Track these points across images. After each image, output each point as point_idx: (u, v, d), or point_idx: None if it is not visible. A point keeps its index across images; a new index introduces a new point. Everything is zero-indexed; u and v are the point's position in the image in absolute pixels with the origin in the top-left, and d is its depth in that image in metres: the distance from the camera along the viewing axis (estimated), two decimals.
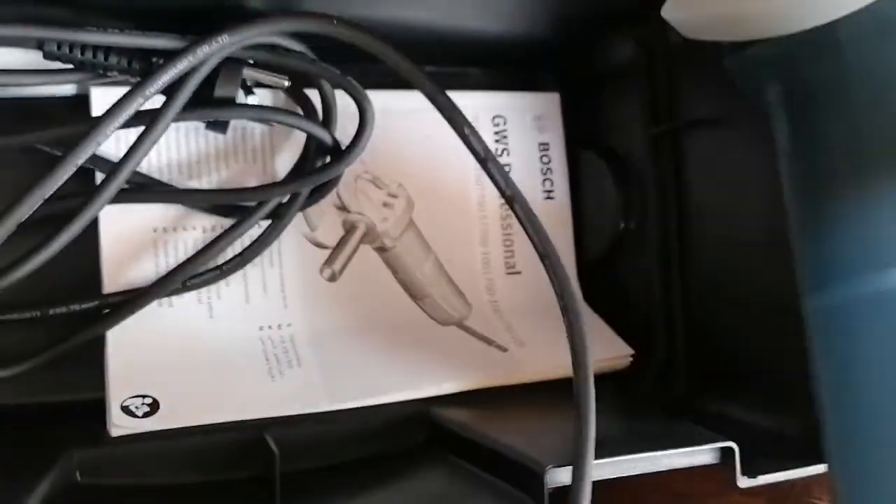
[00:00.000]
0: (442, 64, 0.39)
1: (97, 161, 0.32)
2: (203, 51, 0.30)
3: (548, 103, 0.40)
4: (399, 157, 0.38)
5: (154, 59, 0.30)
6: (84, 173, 0.31)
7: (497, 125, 0.39)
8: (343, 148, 0.34)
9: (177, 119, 0.31)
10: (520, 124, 0.40)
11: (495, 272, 0.39)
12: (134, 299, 0.32)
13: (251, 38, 0.30)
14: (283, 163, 0.35)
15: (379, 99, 0.34)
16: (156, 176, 0.34)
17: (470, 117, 0.38)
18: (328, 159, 0.34)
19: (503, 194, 0.31)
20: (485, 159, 0.32)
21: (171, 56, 0.29)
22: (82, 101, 0.33)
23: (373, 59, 0.32)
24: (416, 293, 0.37)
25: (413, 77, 0.32)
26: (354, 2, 0.32)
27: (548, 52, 0.40)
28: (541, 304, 0.37)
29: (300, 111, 0.34)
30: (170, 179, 0.34)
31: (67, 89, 0.33)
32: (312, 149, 0.34)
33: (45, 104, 0.33)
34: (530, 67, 0.41)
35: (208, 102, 0.32)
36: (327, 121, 0.33)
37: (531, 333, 0.37)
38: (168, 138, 0.34)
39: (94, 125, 0.29)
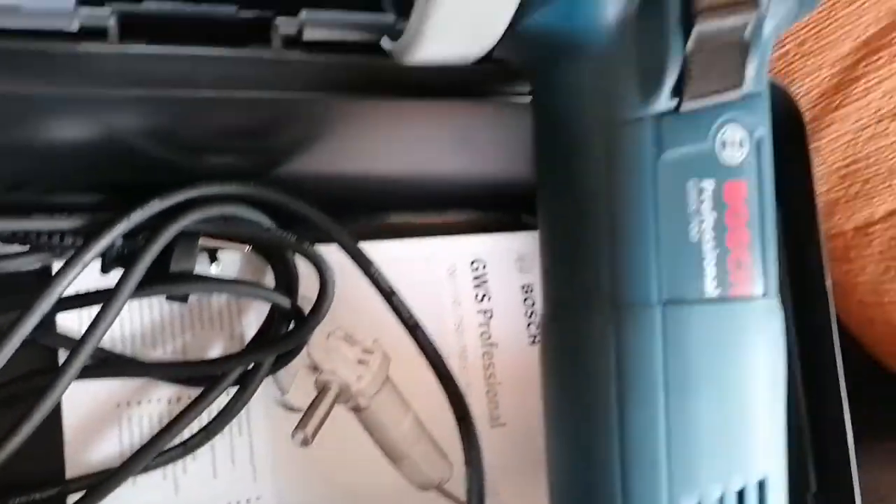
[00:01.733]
0: (416, 210, 0.38)
1: (59, 339, 0.32)
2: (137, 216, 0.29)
3: (531, 242, 0.39)
4: (373, 310, 0.36)
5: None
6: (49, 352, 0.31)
7: (476, 269, 0.38)
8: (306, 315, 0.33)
9: (134, 296, 0.30)
10: (500, 267, 0.38)
11: (478, 425, 0.37)
12: (97, 486, 0.31)
13: (191, 217, 0.30)
14: (250, 325, 0.34)
15: None
16: (119, 349, 0.33)
17: (446, 265, 0.37)
18: (293, 324, 0.33)
19: (406, 323, 0.33)
20: (390, 293, 0.33)
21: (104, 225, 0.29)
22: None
23: None
24: (395, 455, 0.35)
25: (329, 229, 0.33)
26: (335, 160, 0.32)
27: (530, 191, 0.38)
28: (529, 460, 0.34)
29: (270, 272, 0.34)
30: (133, 352, 0.33)
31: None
32: (277, 314, 0.33)
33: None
34: (512, 208, 0.39)
35: (165, 277, 0.31)
36: (290, 287, 0.33)
37: (517, 497, 0.34)
38: (130, 308, 0.33)
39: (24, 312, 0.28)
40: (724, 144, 0.21)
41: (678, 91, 0.20)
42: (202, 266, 0.33)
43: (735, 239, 0.21)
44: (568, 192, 0.22)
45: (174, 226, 0.30)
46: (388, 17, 0.25)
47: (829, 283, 0.31)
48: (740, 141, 0.21)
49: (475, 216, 0.39)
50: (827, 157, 0.39)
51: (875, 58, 0.35)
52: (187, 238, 0.31)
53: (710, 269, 0.21)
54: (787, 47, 0.38)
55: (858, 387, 0.32)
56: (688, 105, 0.20)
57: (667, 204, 0.21)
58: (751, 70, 0.21)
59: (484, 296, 0.38)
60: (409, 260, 0.37)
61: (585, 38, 0.21)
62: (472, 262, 0.38)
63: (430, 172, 0.36)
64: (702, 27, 0.20)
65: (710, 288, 0.21)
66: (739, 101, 0.21)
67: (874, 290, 0.40)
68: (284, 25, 0.24)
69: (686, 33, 0.20)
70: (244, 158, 0.30)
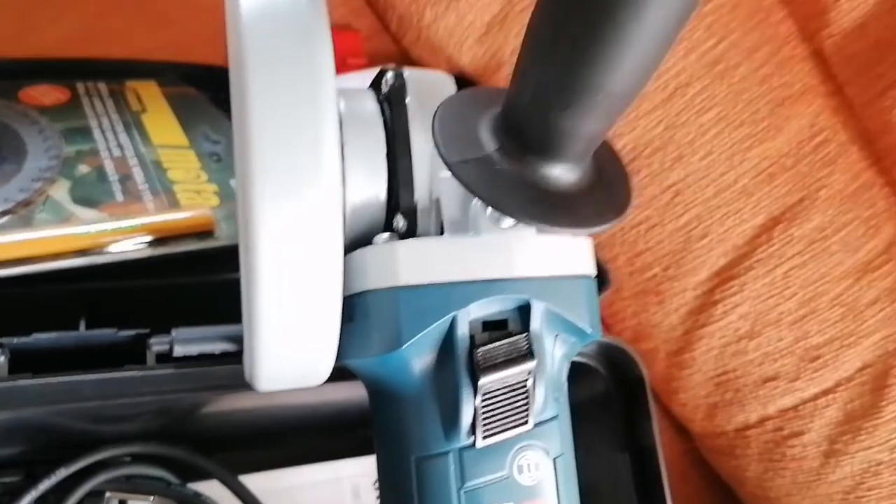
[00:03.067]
0: (326, 429, 0.41)
1: None
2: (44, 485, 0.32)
3: None
4: None
5: None
6: None
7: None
8: None
9: None
10: None
11: None
12: None
13: (96, 480, 0.33)
14: None
15: (259, 481, 0.36)
16: None
17: (350, 484, 0.39)
18: None
19: None
20: None
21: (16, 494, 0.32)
22: None
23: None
24: None
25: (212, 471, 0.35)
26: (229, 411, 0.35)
27: None
28: None
29: None
30: None
31: None
32: None
33: None
34: None
35: None
36: None
37: None
38: None
39: None
40: (520, 469, 0.24)
41: (474, 430, 0.23)
42: None
43: None
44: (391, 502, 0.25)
45: (80, 489, 0.33)
46: None
47: None
48: (536, 464, 0.24)
49: None
50: (702, 366, 0.42)
51: (728, 286, 0.39)
52: (94, 497, 0.34)
53: None
54: (655, 270, 0.41)
55: None
56: (483, 442, 0.24)
57: None
58: (537, 405, 0.24)
59: None
60: (313, 484, 0.40)
61: (395, 384, 0.24)
62: (375, 483, 0.40)
63: (327, 401, 0.39)
64: (486, 380, 0.23)
65: None
66: (533, 430, 0.24)
67: (760, 486, 0.43)
68: (157, 344, 0.28)
69: (475, 386, 0.23)
70: (143, 424, 0.33)
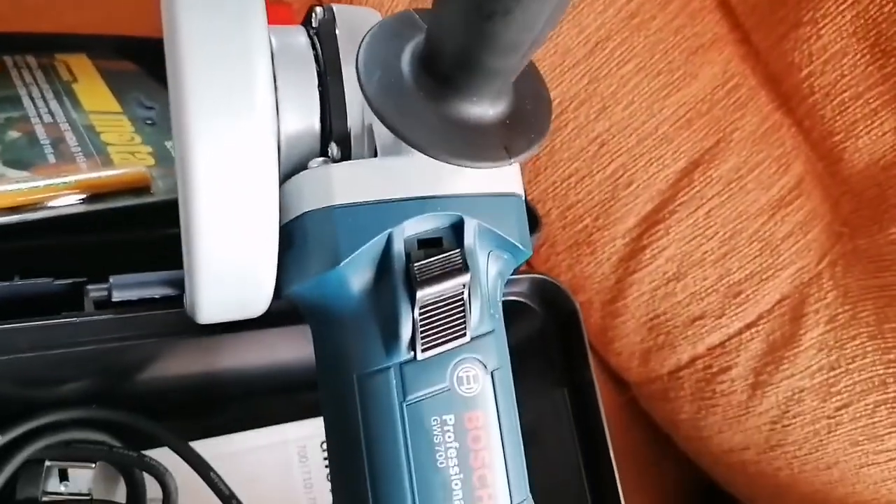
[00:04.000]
0: (272, 392, 0.41)
1: None
2: None
3: None
4: None
5: None
6: None
7: (326, 450, 0.41)
8: None
9: None
10: None
11: None
12: None
13: (34, 447, 0.32)
14: None
15: (204, 447, 0.36)
16: None
17: (297, 447, 0.40)
18: None
19: None
20: (229, 498, 0.34)
21: None
22: None
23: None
24: None
25: (169, 442, 0.35)
26: (173, 371, 0.35)
27: None
28: None
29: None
30: None
31: None
32: None
33: None
34: None
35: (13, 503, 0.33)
36: (138, 500, 0.35)
37: None
38: None
39: None
40: (460, 381, 0.25)
41: (413, 344, 0.24)
42: (54, 483, 0.35)
43: (478, 460, 0.25)
44: (336, 429, 0.26)
45: (18, 457, 0.33)
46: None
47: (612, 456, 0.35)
48: (475, 376, 0.25)
49: None
50: (634, 312, 0.44)
51: (654, 230, 0.41)
52: (33, 465, 0.33)
53: (457, 490, 0.24)
54: (586, 222, 0.43)
55: None
56: (423, 355, 0.24)
57: (415, 440, 0.24)
58: (474, 319, 0.25)
59: None
60: (260, 448, 0.40)
61: (335, 306, 0.25)
62: (322, 443, 0.41)
63: (273, 363, 0.39)
64: (423, 293, 0.24)
65: None
66: (471, 343, 0.25)
67: (694, 426, 0.45)
68: (95, 291, 0.28)
69: (412, 300, 0.24)
70: (84, 386, 0.33)
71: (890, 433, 0.40)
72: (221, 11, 0.21)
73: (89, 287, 0.28)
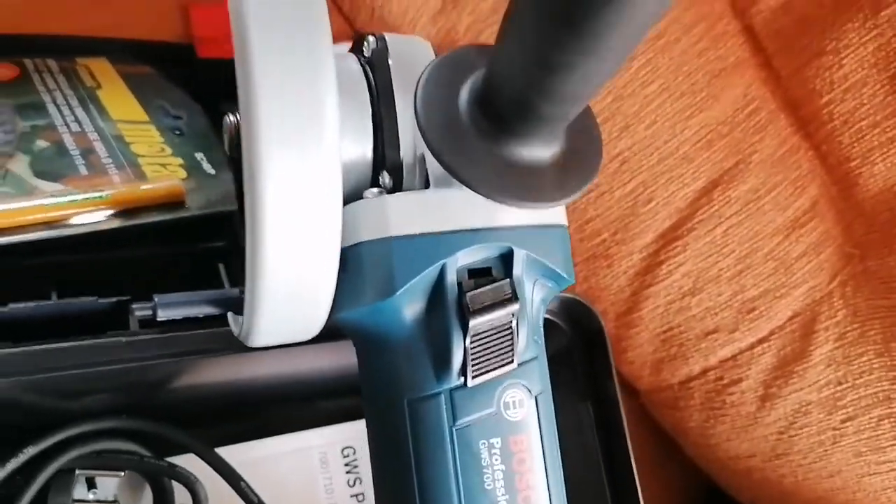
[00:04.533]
0: (293, 400, 0.41)
1: None
2: (11, 464, 0.32)
3: None
4: None
5: None
6: None
7: (347, 456, 0.41)
8: None
9: None
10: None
11: None
12: None
13: (66, 457, 0.33)
14: None
15: (227, 453, 0.36)
16: None
17: (318, 453, 0.40)
18: None
19: None
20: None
21: None
22: None
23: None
24: None
25: (201, 453, 0.35)
26: (202, 381, 0.35)
27: None
28: None
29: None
30: None
31: None
32: None
33: None
34: None
35: None
36: None
37: None
38: None
39: None
40: (506, 406, 0.26)
41: (464, 371, 0.25)
42: (81, 491, 0.35)
43: (523, 482, 0.26)
44: (385, 450, 0.27)
45: (50, 467, 0.33)
46: (232, 292, 0.29)
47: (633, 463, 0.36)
48: (520, 401, 0.26)
49: (344, 404, 0.43)
50: (649, 324, 0.45)
51: (672, 247, 0.42)
52: (63, 474, 0.33)
53: None
54: (604, 236, 0.44)
55: None
56: (473, 381, 0.25)
57: (464, 462, 0.25)
58: (520, 346, 0.26)
59: (356, 480, 0.41)
60: (282, 454, 0.41)
61: (387, 332, 0.25)
62: (343, 450, 0.41)
63: (296, 372, 0.39)
64: (475, 322, 0.25)
65: None
66: (517, 369, 0.26)
67: (702, 434, 0.46)
68: (140, 309, 0.28)
69: (464, 329, 0.25)
70: (114, 398, 0.33)
71: (892, 445, 0.42)
72: (293, 44, 0.22)
73: (134, 306, 0.28)
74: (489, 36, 0.44)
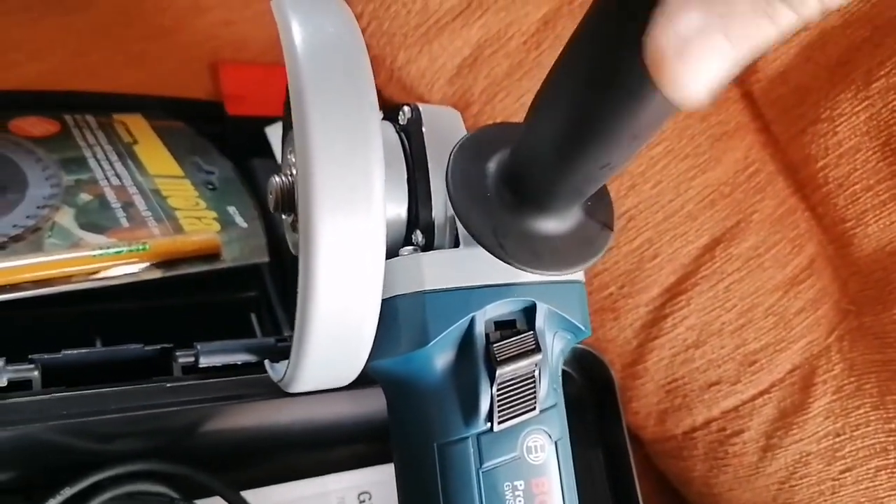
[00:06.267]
0: (313, 446, 0.43)
1: None
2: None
3: None
4: None
5: None
6: None
7: (363, 501, 0.43)
8: None
9: None
10: (386, 495, 0.43)
11: None
12: None
13: (100, 499, 0.34)
14: None
15: (250, 497, 0.37)
16: None
17: (336, 498, 0.41)
18: None
19: None
20: None
21: None
22: None
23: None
24: None
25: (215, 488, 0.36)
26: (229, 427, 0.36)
27: None
28: None
29: None
30: None
31: None
32: None
33: None
34: None
35: None
36: None
37: None
38: None
39: None
40: (529, 450, 0.28)
41: (490, 417, 0.27)
42: None
43: None
44: (414, 491, 0.28)
45: None
46: (268, 341, 0.31)
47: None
48: (542, 446, 0.28)
49: (360, 450, 0.44)
50: (654, 375, 0.46)
51: (676, 301, 0.44)
52: None
53: None
54: (611, 289, 0.46)
55: None
56: (499, 427, 0.27)
57: (490, 502, 0.27)
58: (542, 394, 0.27)
59: None
60: (303, 499, 0.42)
61: (418, 380, 0.27)
62: (360, 495, 0.43)
63: (317, 419, 0.41)
64: (502, 371, 0.26)
65: None
66: (539, 416, 0.28)
67: (705, 484, 0.47)
68: (183, 356, 0.30)
69: (491, 378, 0.26)
70: (146, 441, 0.35)
71: (889, 496, 0.43)
72: (347, 121, 0.24)
73: (178, 353, 0.30)
74: (502, 99, 0.47)
